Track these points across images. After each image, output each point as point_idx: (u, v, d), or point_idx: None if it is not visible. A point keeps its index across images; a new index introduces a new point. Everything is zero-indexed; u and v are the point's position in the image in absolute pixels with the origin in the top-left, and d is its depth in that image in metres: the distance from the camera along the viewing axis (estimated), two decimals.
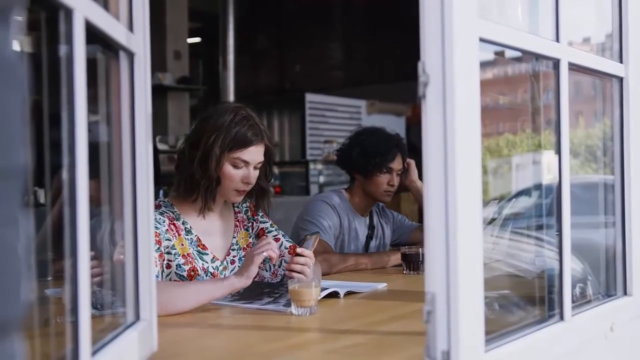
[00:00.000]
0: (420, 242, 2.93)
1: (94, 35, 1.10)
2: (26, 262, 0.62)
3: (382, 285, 2.33)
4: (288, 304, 1.89)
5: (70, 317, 1.03)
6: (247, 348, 1.57)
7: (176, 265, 2.12)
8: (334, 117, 8.07)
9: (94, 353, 1.08)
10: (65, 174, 1.00)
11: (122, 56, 1.32)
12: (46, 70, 1.05)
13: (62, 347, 1.06)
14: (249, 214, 2.39)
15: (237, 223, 2.35)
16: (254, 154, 2.18)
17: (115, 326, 1.30)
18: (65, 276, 1.04)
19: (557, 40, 1.50)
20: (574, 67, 1.56)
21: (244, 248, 2.32)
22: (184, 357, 1.53)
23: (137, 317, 1.36)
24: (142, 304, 1.36)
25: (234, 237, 2.32)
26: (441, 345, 1.16)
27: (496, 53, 1.45)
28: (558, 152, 1.51)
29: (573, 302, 1.53)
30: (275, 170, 7.62)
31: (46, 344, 1.16)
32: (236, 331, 1.74)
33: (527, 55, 1.58)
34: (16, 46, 0.61)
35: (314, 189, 7.35)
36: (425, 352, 1.17)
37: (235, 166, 2.17)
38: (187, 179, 2.18)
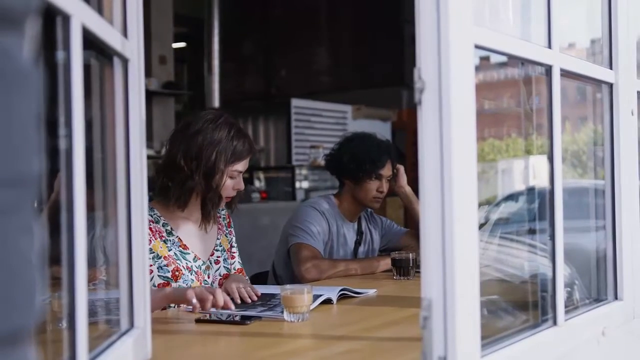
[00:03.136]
0: (409, 247, 2.93)
1: (89, 41, 1.09)
2: (39, 270, 0.61)
3: (372, 291, 2.33)
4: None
5: (62, 323, 1.03)
6: (241, 355, 1.56)
7: (158, 267, 2.18)
8: (320, 122, 8.06)
9: None
10: (62, 180, 0.99)
11: (116, 62, 1.31)
12: (42, 76, 1.04)
13: (57, 354, 1.05)
14: (226, 222, 2.48)
15: (220, 226, 2.43)
16: (246, 163, 2.31)
17: (108, 334, 1.30)
18: (56, 283, 1.03)
19: (549, 46, 1.51)
20: (565, 73, 1.57)
21: (227, 250, 2.41)
22: None
23: (132, 325, 1.35)
24: (136, 312, 1.35)
25: (218, 239, 2.39)
26: (438, 351, 1.16)
27: (481, 58, 1.45)
28: (550, 157, 1.52)
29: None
30: (261, 175, 7.61)
31: (40, 351, 1.15)
32: (229, 338, 1.73)
33: (514, 61, 1.59)
34: (31, 54, 0.61)
35: (300, 194, 7.34)
36: (422, 358, 1.17)
37: (231, 177, 2.27)
38: (187, 192, 2.22)
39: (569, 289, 1.77)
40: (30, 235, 0.60)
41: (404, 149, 7.33)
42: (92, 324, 1.32)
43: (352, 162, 2.98)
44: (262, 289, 2.24)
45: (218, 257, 2.37)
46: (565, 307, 1.56)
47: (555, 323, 1.50)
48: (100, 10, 1.24)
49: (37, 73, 0.62)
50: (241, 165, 2.28)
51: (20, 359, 0.59)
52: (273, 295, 2.16)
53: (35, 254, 0.61)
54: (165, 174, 2.24)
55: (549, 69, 1.51)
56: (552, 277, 1.51)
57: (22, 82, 0.59)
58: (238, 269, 2.42)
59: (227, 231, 2.46)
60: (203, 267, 2.30)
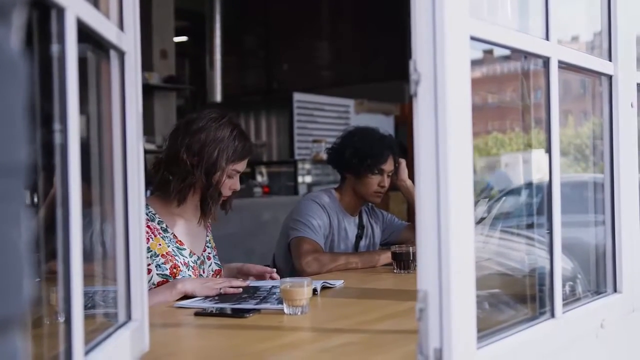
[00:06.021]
0: (410, 241, 2.93)
1: (84, 34, 1.09)
2: (27, 259, 0.62)
3: (340, 282, 2.36)
4: (281, 302, 1.89)
5: (61, 317, 1.03)
6: (240, 348, 1.57)
7: (156, 266, 2.20)
8: (322, 117, 8.06)
9: (87, 353, 1.08)
10: (57, 175, 0.99)
11: (113, 55, 1.31)
12: (36, 70, 1.04)
13: (54, 348, 1.05)
14: (209, 221, 2.51)
15: (208, 224, 2.47)
16: (245, 164, 2.36)
17: (106, 326, 1.30)
18: (55, 277, 1.04)
19: (547, 38, 1.51)
20: (563, 65, 1.57)
21: (214, 248, 2.46)
22: (176, 357, 1.52)
23: (129, 317, 1.35)
24: (133, 304, 1.36)
25: (207, 236, 2.44)
26: (433, 342, 1.16)
27: (485, 51, 1.45)
28: (548, 150, 1.52)
29: (563, 299, 1.54)
30: (263, 170, 7.61)
31: (37, 345, 1.16)
32: (228, 331, 1.74)
33: (516, 54, 1.59)
34: (17, 44, 0.61)
35: (302, 188, 7.34)
36: (418, 350, 1.18)
37: (229, 176, 2.30)
38: (187, 187, 2.25)
39: (571, 283, 1.77)
40: (18, 225, 0.60)
41: (406, 143, 7.32)
42: (90, 316, 1.32)
43: (354, 156, 2.98)
44: (252, 283, 2.29)
45: (209, 253, 2.42)
46: (566, 300, 1.56)
47: (552, 316, 1.50)
48: (96, 3, 1.24)
49: (24, 64, 0.62)
50: (240, 166, 2.32)
51: (9, 347, 0.59)
52: (257, 288, 2.20)
53: (24, 243, 0.61)
54: (166, 168, 2.26)
55: (546, 61, 1.51)
56: (549, 269, 1.51)
57: (9, 72, 0.60)
58: (216, 270, 2.44)
59: (212, 229, 2.51)
60: (198, 262, 2.33)
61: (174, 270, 2.22)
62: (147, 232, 2.19)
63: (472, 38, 1.23)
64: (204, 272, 2.35)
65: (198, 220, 2.34)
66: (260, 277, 2.40)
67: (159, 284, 2.18)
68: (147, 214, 2.24)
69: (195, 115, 2.32)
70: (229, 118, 2.34)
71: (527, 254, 1.88)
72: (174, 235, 2.29)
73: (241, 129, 2.35)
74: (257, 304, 1.96)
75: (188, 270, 2.26)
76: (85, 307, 1.11)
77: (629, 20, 1.82)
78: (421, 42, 1.16)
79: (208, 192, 2.27)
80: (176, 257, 2.24)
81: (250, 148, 2.34)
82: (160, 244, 2.23)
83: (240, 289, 2.14)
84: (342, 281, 2.38)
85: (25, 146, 0.62)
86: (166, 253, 2.23)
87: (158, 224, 2.27)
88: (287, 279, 1.95)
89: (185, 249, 2.30)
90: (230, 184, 2.31)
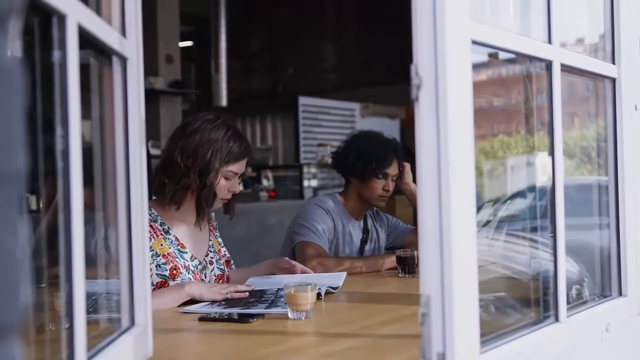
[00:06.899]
0: (415, 245, 2.93)
1: (86, 40, 1.10)
2: (24, 266, 0.62)
3: (342, 276, 2.38)
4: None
5: (64, 323, 1.03)
6: (244, 353, 1.57)
7: (156, 265, 2.21)
8: (327, 120, 8.06)
9: (89, 359, 1.08)
10: (59, 181, 1.00)
11: (115, 61, 1.32)
12: (39, 76, 1.05)
13: (57, 353, 1.05)
14: (215, 224, 2.52)
15: (211, 228, 2.48)
16: (243, 165, 2.34)
17: (109, 332, 1.30)
18: (59, 283, 1.04)
19: (550, 41, 1.51)
20: (566, 69, 1.56)
21: (217, 252, 2.46)
22: None
23: (132, 323, 1.35)
24: (137, 310, 1.36)
25: (210, 240, 2.44)
26: (436, 347, 1.16)
27: (490, 55, 1.45)
28: (551, 153, 1.52)
29: (569, 303, 1.54)
30: (269, 174, 7.61)
31: (40, 350, 1.16)
32: (232, 336, 1.74)
33: (521, 57, 1.58)
34: (14, 52, 0.61)
35: (308, 192, 7.34)
36: (421, 354, 1.17)
37: (226, 178, 2.30)
38: (182, 189, 2.26)
39: (577, 286, 1.76)
40: (14, 231, 0.60)
41: (412, 147, 7.31)
42: (94, 321, 1.32)
43: (358, 160, 2.98)
44: (257, 287, 2.27)
45: (212, 258, 2.42)
46: (572, 303, 1.55)
47: (557, 319, 1.50)
48: (98, 10, 1.25)
49: (20, 71, 0.62)
50: (236, 167, 2.30)
51: (6, 354, 0.59)
52: (264, 292, 2.19)
53: (20, 250, 0.61)
54: (162, 171, 2.27)
55: (549, 64, 1.51)
56: (554, 273, 1.51)
57: (6, 80, 0.60)
58: (226, 260, 2.48)
59: (216, 234, 2.51)
60: (200, 267, 2.33)
61: (174, 272, 2.22)
62: (150, 232, 2.20)
63: (474, 42, 1.23)
64: (205, 277, 2.34)
65: (194, 223, 2.34)
66: (291, 271, 2.43)
67: (157, 285, 2.18)
68: (150, 215, 2.25)
69: (191, 118, 2.33)
70: (224, 119, 2.33)
71: (532, 257, 1.87)
72: (176, 238, 2.29)
73: (237, 130, 2.34)
74: (266, 308, 1.96)
75: (188, 273, 2.25)
76: (88, 312, 1.11)
77: (632, 23, 1.82)
78: (422, 46, 1.16)
79: (202, 193, 2.26)
80: (177, 259, 2.25)
81: (246, 149, 2.33)
82: (162, 244, 2.24)
83: (247, 294, 2.14)
84: (345, 273, 2.40)
85: (23, 154, 0.62)
86: (167, 254, 2.23)
87: (160, 225, 2.27)
88: (291, 284, 1.94)
89: (186, 252, 2.30)
90: (228, 186, 2.30)
